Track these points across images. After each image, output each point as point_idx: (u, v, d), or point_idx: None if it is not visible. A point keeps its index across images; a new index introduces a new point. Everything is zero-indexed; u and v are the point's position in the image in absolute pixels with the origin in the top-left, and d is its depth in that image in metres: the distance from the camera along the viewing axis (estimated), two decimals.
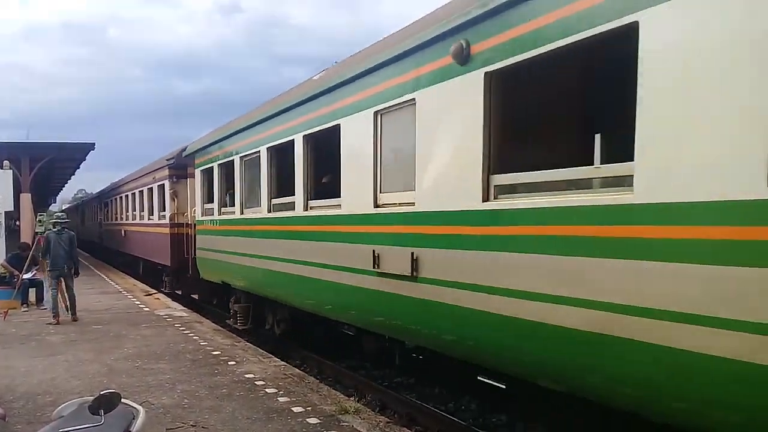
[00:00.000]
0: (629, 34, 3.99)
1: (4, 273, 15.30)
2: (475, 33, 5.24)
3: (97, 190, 40.67)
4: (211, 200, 13.11)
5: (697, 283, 3.53)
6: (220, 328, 12.21)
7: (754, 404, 3.36)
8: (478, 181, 5.21)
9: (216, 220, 12.65)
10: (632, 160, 4.00)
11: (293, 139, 8.83)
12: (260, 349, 10.23)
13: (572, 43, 4.35)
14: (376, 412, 7.26)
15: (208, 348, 9.95)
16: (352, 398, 7.84)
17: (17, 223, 23.94)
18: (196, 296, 17.04)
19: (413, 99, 6.12)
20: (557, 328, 4.50)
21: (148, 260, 20.79)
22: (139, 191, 22.41)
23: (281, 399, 7.08)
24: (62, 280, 13.00)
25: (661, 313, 3.73)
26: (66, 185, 44.84)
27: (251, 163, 10.62)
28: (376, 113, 6.80)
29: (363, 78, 7.03)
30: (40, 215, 19.57)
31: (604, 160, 4.45)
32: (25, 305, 14.63)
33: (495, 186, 5.16)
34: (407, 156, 6.27)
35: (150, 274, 20.98)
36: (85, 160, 28.22)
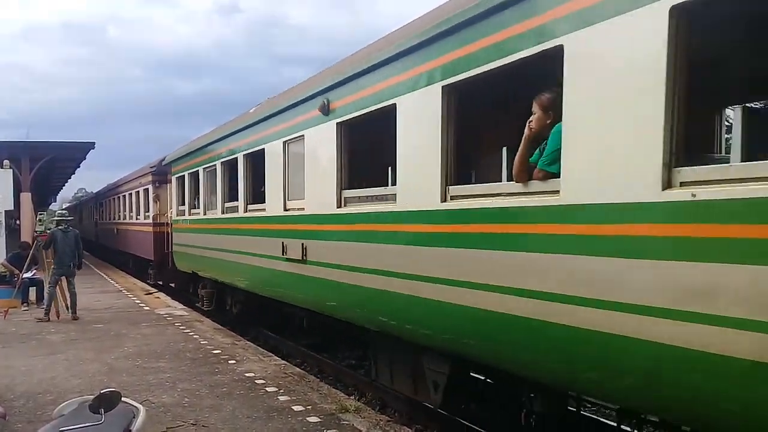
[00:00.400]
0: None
1: (5, 272, 15.32)
2: (332, 95, 7.65)
3: (95, 191, 41.97)
4: (183, 203, 15.46)
5: (605, 273, 3.99)
6: (220, 327, 12.23)
7: (633, 366, 3.97)
8: (335, 195, 7.53)
9: (186, 219, 15.04)
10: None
11: (237, 157, 11.30)
12: (261, 348, 10.25)
13: (380, 108, 6.58)
14: (377, 410, 7.27)
15: (209, 347, 9.96)
16: (353, 397, 7.85)
17: (17, 222, 23.94)
18: (173, 285, 19.10)
19: (303, 135, 8.50)
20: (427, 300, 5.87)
21: (136, 255, 23.25)
22: (128, 194, 24.76)
23: (281, 398, 7.08)
24: (64, 278, 13.03)
25: (579, 300, 4.19)
26: (66, 184, 44.89)
27: (211, 174, 13.07)
28: (284, 142, 9.15)
29: (276, 116, 9.50)
30: (41, 214, 19.62)
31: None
32: (25, 304, 14.63)
33: (345, 197, 7.48)
34: (301, 174, 8.58)
35: (138, 268, 23.27)
36: (85, 159, 28.23)
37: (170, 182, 17.42)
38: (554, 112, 4.63)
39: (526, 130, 4.87)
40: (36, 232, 16.18)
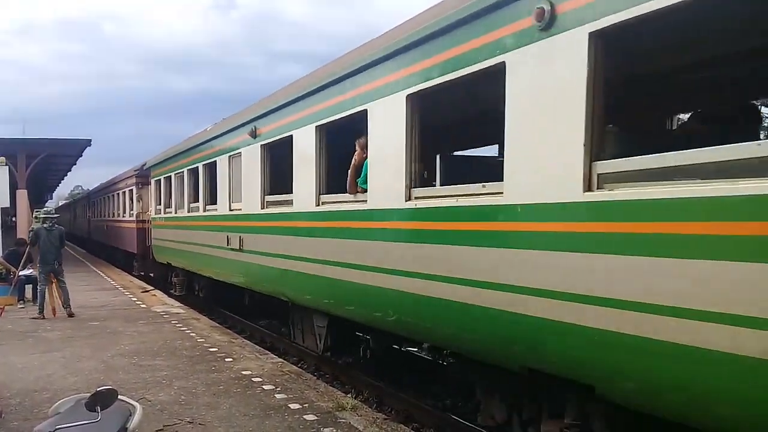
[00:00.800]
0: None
1: (1, 269, 15.26)
2: (258, 123, 10.19)
3: (90, 189, 43.86)
4: (160, 203, 18.00)
5: (544, 266, 4.55)
6: (217, 325, 12.22)
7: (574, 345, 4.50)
8: (259, 198, 10.07)
9: (162, 217, 17.64)
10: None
11: (197, 166, 13.91)
12: (257, 346, 10.25)
13: (285, 137, 9.14)
14: (374, 408, 7.27)
15: (205, 345, 9.95)
16: (350, 395, 7.85)
17: (14, 219, 23.89)
18: (152, 274, 20.77)
19: (240, 152, 11.07)
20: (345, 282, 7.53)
21: (122, 249, 25.76)
22: (116, 194, 27.22)
23: (278, 396, 7.08)
24: (53, 276, 13.01)
25: (519, 288, 4.77)
26: (62, 181, 44.80)
27: (179, 179, 15.58)
28: (229, 157, 11.74)
29: (222, 136, 12.29)
30: (37, 212, 19.58)
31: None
32: (21, 302, 14.60)
33: (267, 201, 9.94)
34: (239, 183, 11.16)
35: (126, 261, 25.52)
36: (81, 156, 28.20)
37: (150, 184, 19.77)
38: (367, 150, 6.99)
39: (352, 161, 7.44)
40: (32, 229, 16.18)
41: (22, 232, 20.99)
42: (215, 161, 12.55)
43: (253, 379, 7.82)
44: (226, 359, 8.90)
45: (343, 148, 7.76)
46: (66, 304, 12.97)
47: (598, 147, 4.23)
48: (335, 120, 7.70)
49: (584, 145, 4.20)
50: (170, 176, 16.41)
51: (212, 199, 13.06)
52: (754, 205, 3.31)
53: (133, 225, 22.54)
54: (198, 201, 13.93)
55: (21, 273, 14.47)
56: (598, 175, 4.19)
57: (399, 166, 6.27)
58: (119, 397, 3.30)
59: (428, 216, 5.94)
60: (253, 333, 12.37)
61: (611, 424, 4.83)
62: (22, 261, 14.41)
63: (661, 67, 6.13)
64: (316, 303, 8.76)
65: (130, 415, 3.40)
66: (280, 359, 9.21)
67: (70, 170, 35.00)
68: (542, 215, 4.59)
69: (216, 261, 12.59)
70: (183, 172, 15.08)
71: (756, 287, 3.28)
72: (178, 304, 15.02)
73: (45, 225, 13.15)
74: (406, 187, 6.19)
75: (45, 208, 18.95)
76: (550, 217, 4.52)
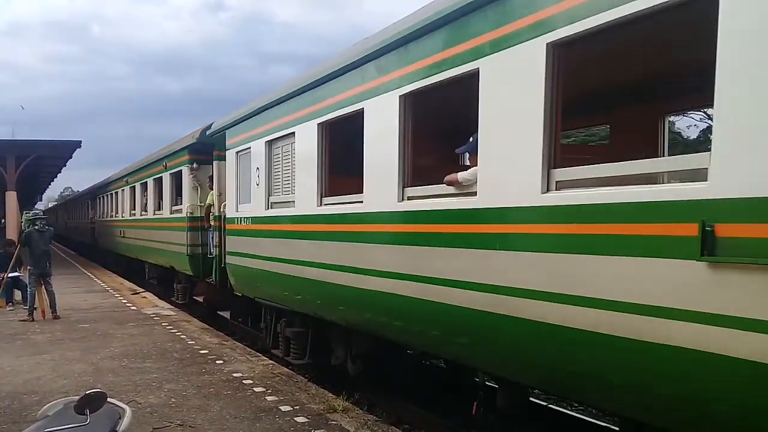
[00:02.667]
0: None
1: None
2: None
3: (81, 190, 45.22)
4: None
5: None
6: (207, 327, 12.18)
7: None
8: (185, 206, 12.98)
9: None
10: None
11: (162, 176, 16.15)
12: (248, 348, 10.22)
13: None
14: (364, 410, 7.26)
15: (196, 347, 9.91)
16: (341, 397, 7.83)
17: (2, 221, 23.73)
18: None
19: (181, 170, 14.40)
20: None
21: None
22: (147, 181, 25.61)
23: (269, 398, 7.07)
24: (41, 278, 12.96)
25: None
26: (52, 183, 44.51)
27: (143, 187, 18.68)
28: (170, 175, 15.36)
29: (169, 156, 15.36)
30: (26, 213, 19.45)
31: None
32: (10, 304, 14.50)
33: (225, 209, 11.22)
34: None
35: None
36: (71, 157, 28.00)
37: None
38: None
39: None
40: (22, 231, 16.06)
41: (12, 234, 20.84)
42: (178, 172, 12.38)
43: (243, 381, 7.80)
44: (217, 361, 8.87)
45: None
46: (53, 308, 12.90)
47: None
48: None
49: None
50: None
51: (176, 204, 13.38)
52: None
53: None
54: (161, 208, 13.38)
55: (10, 275, 14.39)
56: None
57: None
58: (108, 399, 3.28)
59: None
60: (244, 335, 12.33)
61: None
62: (11, 263, 14.33)
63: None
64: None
65: (120, 418, 3.38)
66: (271, 361, 9.19)
67: (60, 172, 34.77)
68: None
69: (168, 253, 13.84)
70: (146, 181, 14.35)
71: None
72: (169, 306, 14.97)
73: (36, 226, 13.08)
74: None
75: (33, 211, 18.85)
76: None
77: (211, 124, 12.39)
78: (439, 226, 5.47)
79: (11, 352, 9.57)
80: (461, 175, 5.30)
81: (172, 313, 13.82)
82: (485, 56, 4.84)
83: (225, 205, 11.32)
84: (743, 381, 3.25)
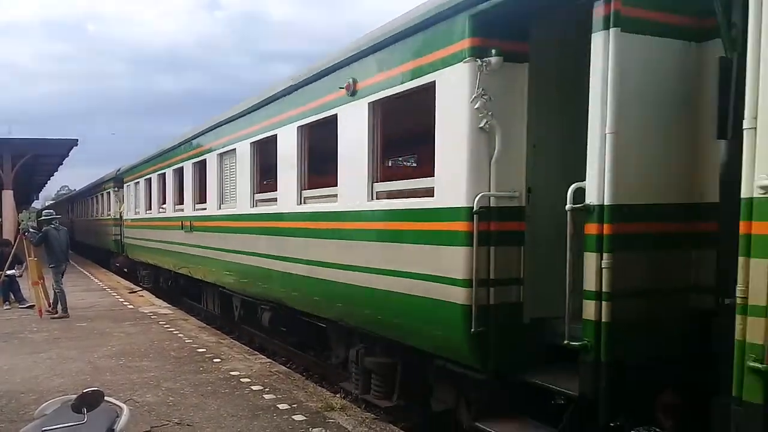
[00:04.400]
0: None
1: None
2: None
3: (78, 189, 45.31)
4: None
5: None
6: (205, 325, 12.17)
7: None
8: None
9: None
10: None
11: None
12: (246, 347, 10.22)
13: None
14: (362, 408, 7.26)
15: (193, 345, 9.91)
16: (338, 395, 7.84)
17: None
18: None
19: (150, 178, 16.56)
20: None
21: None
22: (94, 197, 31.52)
23: (267, 396, 7.07)
24: (44, 276, 12.97)
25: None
26: (49, 182, 44.37)
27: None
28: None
29: (103, 183, 24.10)
30: (31, 211, 19.48)
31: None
32: (7, 303, 14.48)
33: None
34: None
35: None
36: (68, 156, 27.89)
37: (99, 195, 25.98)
38: None
39: None
40: (19, 230, 15.96)
41: (8, 234, 20.79)
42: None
43: (241, 379, 7.80)
44: (214, 360, 8.87)
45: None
46: (54, 305, 12.89)
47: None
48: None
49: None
50: (139, 182, 20.26)
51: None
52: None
53: (111, 222, 25.46)
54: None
55: (6, 273, 14.37)
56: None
57: None
58: (106, 398, 3.28)
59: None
60: (241, 334, 12.33)
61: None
62: (8, 261, 14.32)
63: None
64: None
65: (117, 417, 3.38)
66: (269, 360, 9.19)
67: (57, 170, 34.70)
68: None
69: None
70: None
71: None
72: (166, 304, 14.96)
73: (52, 225, 13.39)
74: None
75: (43, 209, 19.22)
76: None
77: (120, 168, 22.28)
78: (320, 223, 7.52)
79: (8, 351, 9.55)
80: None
81: (170, 311, 13.82)
82: (341, 105, 6.87)
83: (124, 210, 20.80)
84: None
